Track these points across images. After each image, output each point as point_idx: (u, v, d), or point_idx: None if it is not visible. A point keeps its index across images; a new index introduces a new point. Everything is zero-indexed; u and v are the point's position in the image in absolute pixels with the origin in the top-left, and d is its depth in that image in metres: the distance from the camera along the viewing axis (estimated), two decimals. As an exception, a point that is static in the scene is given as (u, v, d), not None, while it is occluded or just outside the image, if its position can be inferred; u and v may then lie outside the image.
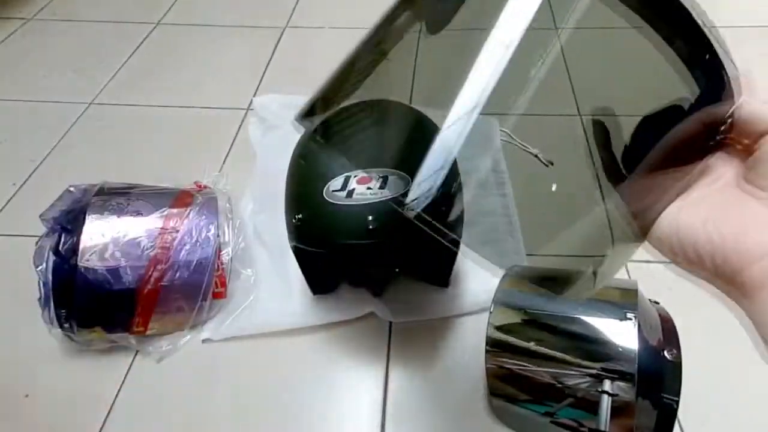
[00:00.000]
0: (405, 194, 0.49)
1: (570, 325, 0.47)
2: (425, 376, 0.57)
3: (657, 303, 0.53)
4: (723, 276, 0.25)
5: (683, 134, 0.28)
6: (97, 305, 0.55)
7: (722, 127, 0.27)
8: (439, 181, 0.29)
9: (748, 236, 0.24)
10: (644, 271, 0.64)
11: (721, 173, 0.28)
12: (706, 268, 0.26)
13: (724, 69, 0.27)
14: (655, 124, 0.28)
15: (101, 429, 0.54)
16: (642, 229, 0.29)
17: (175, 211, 0.60)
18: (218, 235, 0.61)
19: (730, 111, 0.27)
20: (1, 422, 0.55)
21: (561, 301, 0.50)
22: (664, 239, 0.28)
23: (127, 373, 0.58)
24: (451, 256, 0.61)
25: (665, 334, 0.48)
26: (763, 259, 0.24)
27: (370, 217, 0.48)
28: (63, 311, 0.54)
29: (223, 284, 0.63)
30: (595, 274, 0.31)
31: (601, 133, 0.32)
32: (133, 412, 0.55)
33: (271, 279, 0.66)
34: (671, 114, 0.28)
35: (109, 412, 0.55)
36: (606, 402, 0.43)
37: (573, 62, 0.41)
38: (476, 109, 0.31)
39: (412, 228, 0.51)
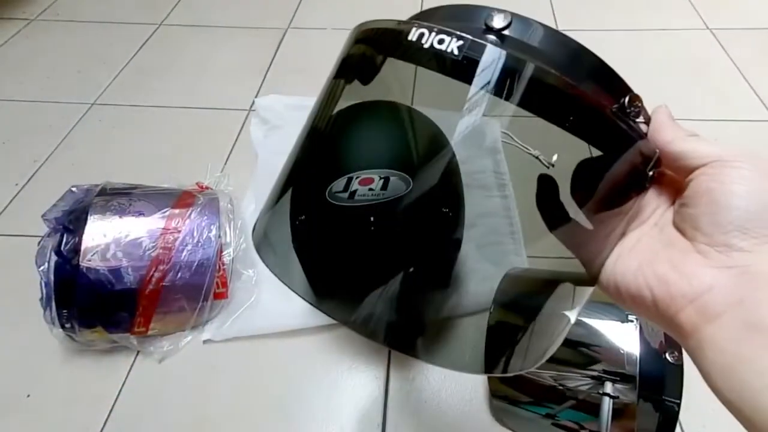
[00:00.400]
0: (406, 194, 0.49)
1: (571, 327, 0.47)
2: (426, 377, 0.57)
3: (659, 305, 0.53)
4: (662, 320, 0.25)
5: (610, 180, 0.27)
6: (99, 305, 0.55)
7: (649, 169, 0.27)
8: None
9: (679, 280, 0.24)
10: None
11: (651, 214, 0.28)
12: (647, 313, 0.26)
13: (628, 122, 0.26)
14: (585, 174, 0.27)
15: (102, 429, 0.54)
16: (591, 276, 0.29)
17: (176, 211, 0.61)
18: (220, 236, 0.62)
19: (655, 153, 0.27)
20: (2, 422, 0.55)
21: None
22: (606, 287, 0.28)
23: (128, 373, 0.58)
24: (452, 257, 0.61)
25: (667, 337, 0.48)
26: (693, 302, 0.23)
27: (372, 218, 0.48)
28: (64, 311, 0.54)
29: (225, 285, 0.63)
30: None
31: (548, 186, 0.31)
32: (134, 413, 0.55)
33: (272, 280, 0.66)
34: (598, 163, 0.27)
35: (110, 413, 0.55)
36: (607, 404, 0.43)
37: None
38: None
39: (413, 228, 0.51)
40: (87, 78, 1.00)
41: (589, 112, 0.24)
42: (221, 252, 0.62)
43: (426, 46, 0.23)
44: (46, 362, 0.59)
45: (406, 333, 0.53)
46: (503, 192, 0.76)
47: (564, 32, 0.27)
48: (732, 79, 0.95)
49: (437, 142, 0.56)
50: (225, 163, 0.82)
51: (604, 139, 0.25)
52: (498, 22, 0.26)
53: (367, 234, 0.49)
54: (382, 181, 0.49)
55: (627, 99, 0.26)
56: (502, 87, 0.24)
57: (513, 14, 0.26)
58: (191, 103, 0.94)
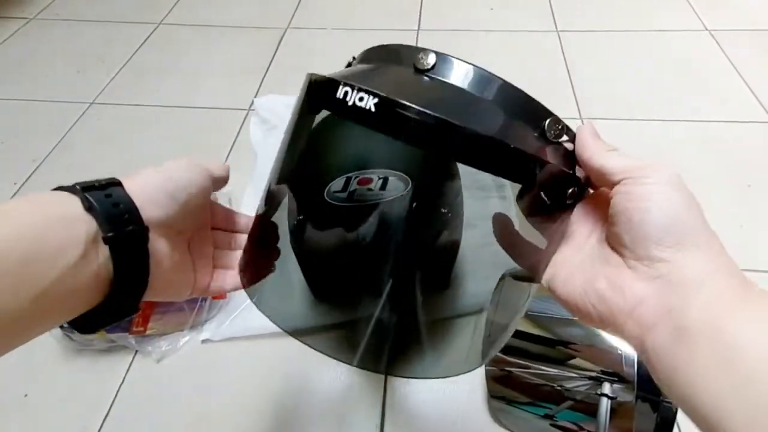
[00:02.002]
0: (405, 194, 0.49)
1: (569, 328, 0.47)
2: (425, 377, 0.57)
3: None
4: (615, 333, 0.26)
5: (531, 203, 0.29)
6: (97, 305, 0.55)
7: (569, 188, 0.28)
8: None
9: (614, 296, 0.25)
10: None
11: (592, 231, 0.29)
12: (601, 327, 0.27)
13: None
14: (519, 197, 0.30)
15: (100, 429, 0.54)
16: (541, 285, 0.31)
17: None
18: (218, 236, 0.61)
19: (569, 172, 0.28)
20: (0, 422, 0.55)
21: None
22: (562, 303, 0.29)
23: (127, 373, 0.58)
24: (451, 257, 0.61)
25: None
26: (631, 316, 0.24)
27: (371, 219, 0.48)
28: (63, 311, 0.54)
29: (223, 285, 0.63)
30: None
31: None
32: (132, 413, 0.55)
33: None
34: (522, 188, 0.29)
35: (108, 412, 0.55)
36: (605, 405, 0.43)
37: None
38: None
39: (412, 229, 0.51)
40: (86, 77, 1.00)
41: (491, 149, 0.27)
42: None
43: (350, 103, 0.28)
44: (44, 362, 0.59)
45: (404, 356, 0.53)
46: (502, 193, 0.76)
47: (486, 69, 0.30)
48: (730, 80, 0.95)
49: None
50: (224, 163, 0.82)
51: (511, 169, 0.27)
52: (424, 63, 0.31)
53: (365, 234, 0.49)
54: (381, 181, 0.49)
55: (546, 123, 0.29)
56: (412, 137, 0.28)
57: (438, 55, 0.30)
58: (190, 102, 0.94)
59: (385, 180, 0.49)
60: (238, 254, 0.37)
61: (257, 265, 0.38)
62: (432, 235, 0.53)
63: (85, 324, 0.27)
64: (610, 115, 0.89)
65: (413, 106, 0.27)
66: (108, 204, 0.26)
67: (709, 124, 0.86)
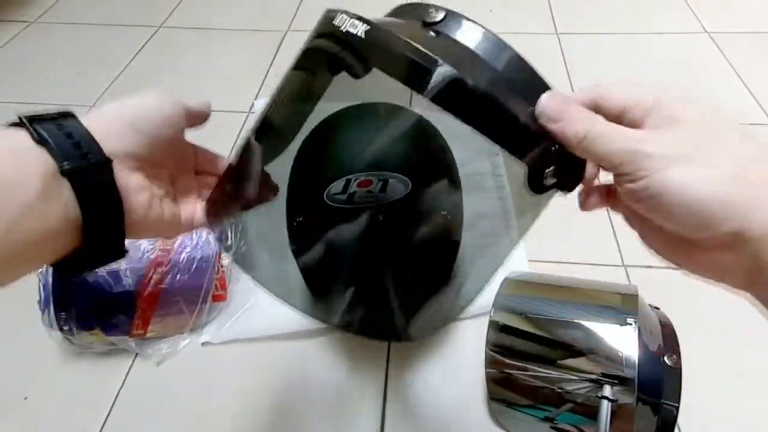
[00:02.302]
0: (405, 197, 0.49)
1: (570, 330, 0.47)
2: (424, 379, 0.57)
3: (657, 308, 0.53)
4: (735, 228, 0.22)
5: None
6: (97, 308, 0.55)
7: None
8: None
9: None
10: (644, 276, 0.65)
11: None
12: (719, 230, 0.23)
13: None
14: None
15: (100, 431, 0.54)
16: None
17: (175, 213, 0.61)
18: (218, 238, 0.62)
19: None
20: (0, 424, 0.55)
21: (561, 306, 0.50)
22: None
23: (127, 376, 0.58)
24: (451, 259, 0.61)
25: (665, 340, 0.48)
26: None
27: (371, 221, 0.48)
28: (63, 314, 0.54)
29: (224, 287, 0.63)
30: None
31: None
32: (132, 416, 0.55)
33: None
34: None
35: (108, 415, 0.55)
36: (606, 407, 0.43)
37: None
38: None
39: (412, 230, 0.51)
40: (86, 80, 1.00)
41: (468, 93, 0.26)
42: (220, 254, 0.62)
43: (342, 29, 0.28)
44: (44, 365, 0.59)
45: (391, 322, 0.53)
46: (501, 194, 0.76)
47: (513, 36, 0.30)
48: (729, 82, 0.95)
49: (436, 144, 0.57)
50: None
51: (488, 121, 0.27)
52: (432, 17, 0.31)
53: (365, 236, 0.49)
54: (380, 183, 0.49)
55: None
56: (392, 69, 0.28)
57: (448, 11, 0.30)
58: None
59: (385, 182, 0.49)
60: None
61: (228, 199, 0.37)
62: (432, 236, 0.53)
63: (69, 268, 0.26)
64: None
65: (401, 38, 0.26)
66: (61, 135, 0.24)
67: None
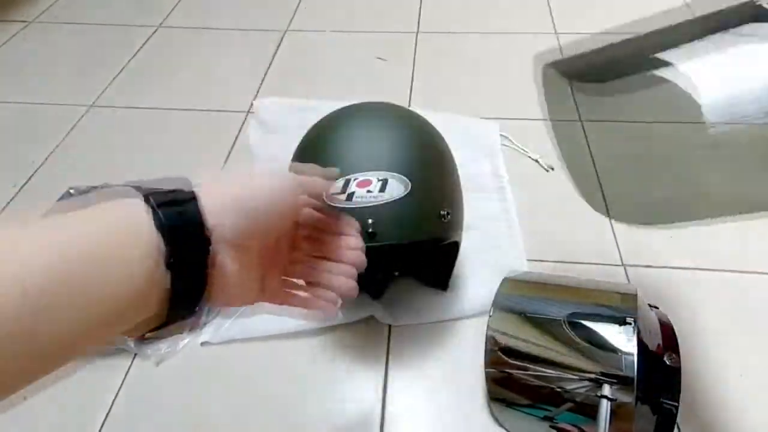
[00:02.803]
0: (404, 197, 0.49)
1: (569, 330, 0.47)
2: (424, 379, 0.57)
3: (656, 308, 0.53)
4: None
5: None
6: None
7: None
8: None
9: None
10: (644, 276, 0.65)
11: None
12: None
13: None
14: None
15: (99, 431, 0.54)
16: None
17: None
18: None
19: None
20: (0, 425, 0.55)
21: (561, 305, 0.50)
22: None
23: (126, 375, 0.58)
24: (451, 259, 0.61)
25: (665, 339, 0.48)
26: None
27: (370, 220, 0.48)
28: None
29: (223, 287, 0.62)
30: None
31: None
32: (131, 415, 0.55)
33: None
34: None
35: (107, 415, 0.55)
36: (605, 407, 0.43)
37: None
38: None
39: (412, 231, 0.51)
40: (85, 80, 1.00)
41: None
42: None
43: None
44: (43, 365, 0.59)
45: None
46: (502, 195, 0.76)
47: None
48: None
49: (436, 144, 0.56)
50: (223, 165, 0.82)
51: None
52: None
53: (365, 236, 0.49)
54: (380, 183, 0.49)
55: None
56: None
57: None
58: (189, 105, 0.94)
59: (385, 182, 0.49)
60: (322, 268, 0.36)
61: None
62: (431, 238, 0.53)
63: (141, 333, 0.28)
64: (610, 116, 0.89)
65: None
66: (179, 222, 0.25)
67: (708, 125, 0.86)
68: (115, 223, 0.24)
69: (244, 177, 0.31)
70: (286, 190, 0.32)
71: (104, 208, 0.24)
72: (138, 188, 0.26)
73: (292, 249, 0.36)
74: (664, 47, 0.43)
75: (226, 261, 0.28)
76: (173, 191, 0.26)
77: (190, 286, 0.27)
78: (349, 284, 0.36)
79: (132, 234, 0.24)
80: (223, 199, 0.28)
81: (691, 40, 0.45)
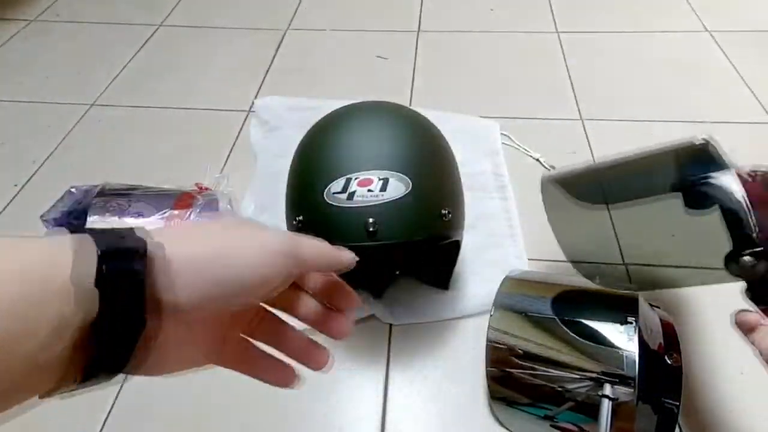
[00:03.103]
0: (405, 196, 0.49)
1: (571, 329, 0.47)
2: (425, 378, 0.57)
3: (658, 308, 0.53)
4: None
5: None
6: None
7: None
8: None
9: None
10: (645, 274, 0.64)
11: None
12: None
13: None
14: None
15: (101, 429, 0.54)
16: None
17: (176, 212, 0.61)
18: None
19: None
20: None
21: (562, 305, 0.50)
22: None
23: (126, 375, 0.58)
24: (452, 259, 0.61)
25: (666, 339, 0.48)
26: None
27: (371, 219, 0.48)
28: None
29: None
30: None
31: None
32: (132, 414, 0.55)
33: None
34: None
35: (108, 414, 0.55)
36: (606, 406, 0.43)
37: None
38: None
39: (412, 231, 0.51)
40: (86, 79, 1.00)
41: None
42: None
43: None
44: (45, 363, 0.59)
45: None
46: (503, 194, 0.76)
47: None
48: (730, 80, 0.95)
49: (437, 143, 0.56)
50: (224, 164, 0.82)
51: None
52: None
53: (365, 236, 0.49)
54: (381, 182, 0.49)
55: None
56: None
57: None
58: (190, 104, 0.94)
59: (386, 181, 0.49)
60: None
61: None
62: (432, 237, 0.53)
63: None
64: (610, 116, 0.89)
65: None
66: (116, 279, 0.20)
67: (709, 125, 0.86)
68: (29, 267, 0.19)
69: (221, 234, 0.24)
70: (277, 255, 0.25)
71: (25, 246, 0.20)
72: (91, 231, 0.21)
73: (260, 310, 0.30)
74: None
75: (169, 334, 0.23)
76: (122, 237, 0.21)
77: (112, 360, 0.22)
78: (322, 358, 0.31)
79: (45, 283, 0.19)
80: (192, 259, 0.22)
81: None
